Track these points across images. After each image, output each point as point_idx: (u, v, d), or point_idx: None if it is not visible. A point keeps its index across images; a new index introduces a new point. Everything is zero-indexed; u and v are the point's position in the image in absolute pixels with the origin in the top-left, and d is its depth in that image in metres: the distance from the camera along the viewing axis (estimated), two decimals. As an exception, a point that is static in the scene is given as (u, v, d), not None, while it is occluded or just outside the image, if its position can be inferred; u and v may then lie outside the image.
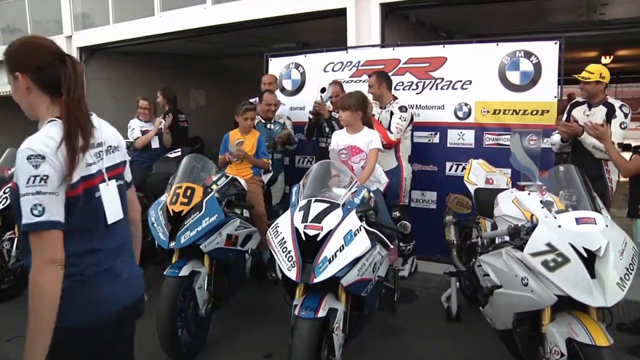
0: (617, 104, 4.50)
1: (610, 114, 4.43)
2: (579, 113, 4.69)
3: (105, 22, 9.83)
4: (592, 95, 4.59)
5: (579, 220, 2.68)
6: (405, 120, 5.10)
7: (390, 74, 5.58)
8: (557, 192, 2.99)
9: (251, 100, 6.07)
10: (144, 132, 6.38)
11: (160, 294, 3.52)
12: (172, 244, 3.68)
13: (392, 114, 5.14)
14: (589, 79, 4.51)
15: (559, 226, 2.69)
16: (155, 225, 3.81)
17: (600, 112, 4.51)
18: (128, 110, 7.35)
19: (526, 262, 2.76)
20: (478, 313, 3.53)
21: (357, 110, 4.24)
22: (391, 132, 5.02)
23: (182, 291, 3.62)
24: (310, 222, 3.07)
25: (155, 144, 6.43)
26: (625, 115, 4.43)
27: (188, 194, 3.87)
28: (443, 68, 5.66)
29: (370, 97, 5.14)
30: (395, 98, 5.29)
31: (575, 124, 4.44)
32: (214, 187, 4.05)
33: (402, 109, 5.12)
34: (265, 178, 5.37)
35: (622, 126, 4.38)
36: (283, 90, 6.65)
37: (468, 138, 5.55)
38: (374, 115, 5.15)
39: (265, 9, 7.57)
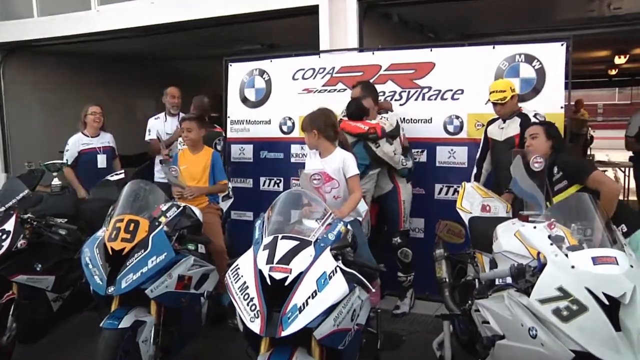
0: (530, 113, 4.76)
1: (526, 125, 4.58)
2: (494, 128, 4.97)
3: (29, 14, 9.40)
4: (511, 112, 4.83)
5: (596, 260, 2.64)
6: (386, 119, 5.12)
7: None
8: (568, 224, 2.96)
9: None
10: (86, 152, 6.18)
11: (95, 351, 3.39)
12: (111, 290, 3.58)
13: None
14: (506, 98, 4.74)
15: (573, 267, 2.66)
16: (90, 266, 3.70)
17: (514, 124, 4.77)
18: (61, 122, 7.14)
19: (534, 310, 2.71)
20: (476, 364, 3.47)
21: (318, 130, 4.15)
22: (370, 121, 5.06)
23: (123, 346, 3.50)
24: (277, 263, 3.04)
25: (102, 163, 6.27)
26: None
27: (131, 228, 3.78)
28: (430, 75, 5.63)
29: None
30: (379, 112, 5.30)
31: None
32: (163, 219, 3.97)
33: (381, 112, 5.19)
34: (225, 205, 5.27)
35: None
36: (245, 101, 6.59)
37: (460, 156, 5.53)
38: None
39: (225, 6, 7.48)
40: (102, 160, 6.28)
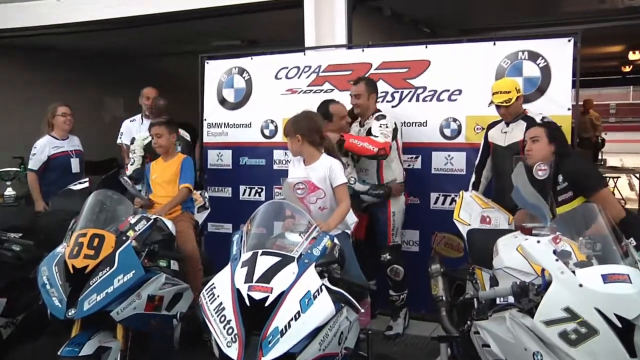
0: (537, 116, 4.76)
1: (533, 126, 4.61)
2: (496, 132, 4.99)
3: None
4: (517, 114, 4.85)
5: (606, 278, 2.63)
6: (387, 127, 5.11)
7: (359, 82, 5.53)
8: (576, 238, 2.95)
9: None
10: (58, 156, 6.10)
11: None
12: (72, 312, 3.54)
13: (369, 131, 5.16)
14: (511, 100, 4.74)
15: (581, 285, 2.63)
16: (47, 286, 3.66)
17: (519, 129, 4.75)
18: (12, 122, 7.02)
19: (538, 333, 2.69)
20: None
21: (302, 135, 4.13)
22: (375, 137, 5.03)
23: (85, 376, 3.47)
24: (257, 281, 3.04)
25: (76, 168, 6.21)
26: None
27: (95, 243, 3.75)
28: (426, 74, 5.63)
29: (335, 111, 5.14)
30: (377, 111, 5.30)
31: None
32: (131, 233, 3.95)
33: (379, 117, 5.16)
34: (201, 217, 5.24)
35: None
36: (223, 102, 6.57)
37: (458, 162, 5.52)
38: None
39: (200, -3, 7.47)
40: (75, 165, 6.20)
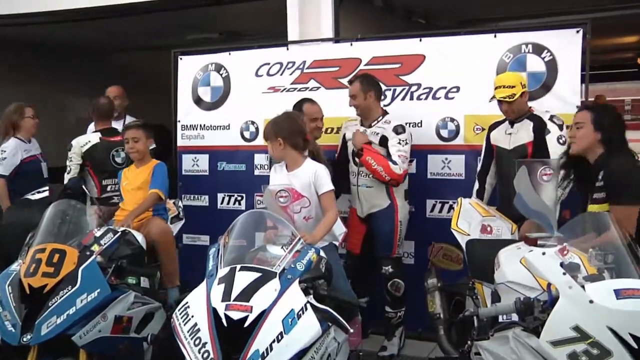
0: (545, 115, 4.72)
1: (541, 130, 4.62)
2: (499, 134, 4.94)
3: None
4: (521, 112, 4.80)
5: (620, 293, 2.62)
6: (407, 143, 5.12)
7: (346, 79, 5.54)
8: (585, 249, 2.94)
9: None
10: (29, 160, 6.09)
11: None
12: (28, 338, 3.50)
13: (383, 139, 5.13)
14: (515, 95, 4.65)
15: (591, 301, 2.63)
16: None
17: (525, 129, 4.73)
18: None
19: (545, 354, 2.69)
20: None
21: (284, 139, 4.11)
22: (395, 164, 5.01)
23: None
24: (235, 300, 3.03)
25: (46, 172, 6.21)
26: (560, 127, 4.64)
27: (55, 260, 3.73)
28: (420, 70, 5.63)
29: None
30: (385, 113, 5.29)
31: None
32: (96, 247, 3.94)
33: (399, 129, 5.13)
34: (175, 228, 5.22)
35: (561, 140, 4.57)
36: (199, 102, 6.55)
37: (456, 166, 5.52)
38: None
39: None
40: (45, 169, 6.22)
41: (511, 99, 4.68)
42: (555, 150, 4.48)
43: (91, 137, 6.02)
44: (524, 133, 4.72)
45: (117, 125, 6.45)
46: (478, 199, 4.83)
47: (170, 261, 4.61)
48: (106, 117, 6.11)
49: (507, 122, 4.90)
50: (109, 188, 5.89)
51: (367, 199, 5.29)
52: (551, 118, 4.70)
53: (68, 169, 5.82)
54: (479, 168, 5.17)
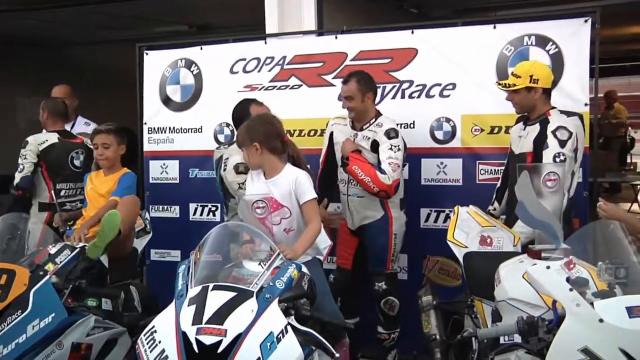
0: (553, 124, 4.57)
1: (541, 142, 4.54)
2: (514, 134, 4.92)
3: None
4: (527, 109, 4.74)
5: (632, 311, 2.62)
6: (399, 149, 5.10)
7: (331, 75, 5.60)
8: (593, 262, 2.98)
9: None
10: None
11: None
12: None
13: (375, 144, 5.14)
14: (515, 85, 4.63)
15: (601, 320, 2.62)
16: None
17: (531, 136, 4.65)
18: None
19: None
20: None
21: (260, 143, 4.10)
22: (383, 173, 4.99)
23: None
24: (207, 322, 3.01)
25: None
26: (562, 143, 4.50)
27: (2, 281, 3.67)
28: (412, 65, 5.66)
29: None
30: (378, 114, 5.29)
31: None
32: (50, 266, 3.90)
33: (391, 133, 5.11)
34: (141, 243, 5.20)
35: (557, 160, 4.46)
36: (168, 102, 6.56)
37: (453, 171, 5.56)
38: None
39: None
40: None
41: (508, 88, 4.66)
42: None
43: (49, 136, 6.05)
44: (529, 140, 4.68)
45: (67, 128, 6.47)
46: (476, 208, 4.81)
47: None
48: (61, 119, 6.16)
49: (522, 122, 4.86)
50: (62, 193, 5.94)
51: (358, 210, 5.29)
52: (555, 130, 4.54)
53: (20, 167, 5.82)
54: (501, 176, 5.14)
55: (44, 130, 6.39)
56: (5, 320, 3.57)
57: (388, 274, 5.28)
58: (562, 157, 4.45)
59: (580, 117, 4.92)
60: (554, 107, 4.72)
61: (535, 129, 4.65)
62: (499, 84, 4.75)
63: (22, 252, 3.97)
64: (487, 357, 3.24)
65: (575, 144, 4.52)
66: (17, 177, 5.76)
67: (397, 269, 5.45)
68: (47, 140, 5.91)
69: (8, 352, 3.50)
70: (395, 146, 5.06)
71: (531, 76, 4.61)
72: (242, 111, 4.99)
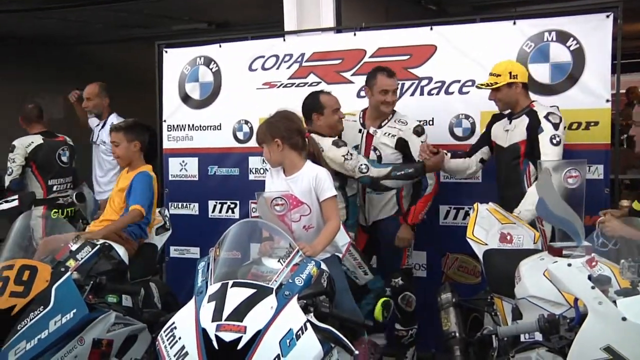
0: (542, 111, 4.77)
1: (534, 129, 4.69)
2: (499, 130, 5.04)
3: None
4: (510, 104, 4.90)
5: (655, 309, 2.61)
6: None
7: (350, 72, 5.58)
8: (616, 259, 2.96)
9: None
10: None
11: None
12: None
13: (400, 141, 5.16)
14: (497, 83, 4.78)
15: (624, 318, 2.61)
16: None
17: (520, 126, 4.81)
18: None
19: None
20: None
21: (282, 139, 4.10)
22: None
23: None
24: (227, 319, 3.03)
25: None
26: (556, 126, 4.68)
27: (25, 277, 3.72)
28: (431, 62, 5.65)
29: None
30: (393, 110, 5.31)
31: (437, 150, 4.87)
32: (72, 263, 3.95)
33: (419, 131, 5.18)
34: (161, 240, 5.19)
35: (554, 141, 4.64)
36: (187, 99, 6.56)
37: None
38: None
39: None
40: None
41: (489, 87, 4.81)
42: (547, 151, 4.59)
43: (33, 138, 6.38)
44: (519, 131, 4.80)
45: (99, 125, 6.56)
46: (495, 205, 4.80)
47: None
48: (37, 122, 6.49)
49: (506, 117, 4.96)
50: (55, 188, 6.26)
51: (374, 206, 5.30)
52: (547, 115, 4.73)
53: (9, 170, 6.08)
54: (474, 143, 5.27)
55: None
56: (28, 316, 3.61)
57: (404, 269, 5.28)
58: (557, 139, 4.63)
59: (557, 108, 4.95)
60: (534, 100, 4.90)
61: (523, 120, 4.81)
62: (481, 85, 4.87)
63: (32, 249, 4.00)
64: (508, 355, 3.23)
65: (564, 129, 4.71)
66: (7, 179, 6.01)
67: (413, 265, 5.45)
68: (32, 142, 6.22)
69: (31, 348, 3.53)
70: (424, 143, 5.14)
71: (510, 72, 4.79)
72: (313, 102, 5.05)
